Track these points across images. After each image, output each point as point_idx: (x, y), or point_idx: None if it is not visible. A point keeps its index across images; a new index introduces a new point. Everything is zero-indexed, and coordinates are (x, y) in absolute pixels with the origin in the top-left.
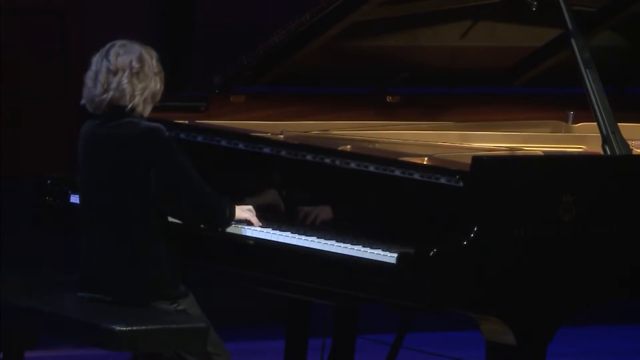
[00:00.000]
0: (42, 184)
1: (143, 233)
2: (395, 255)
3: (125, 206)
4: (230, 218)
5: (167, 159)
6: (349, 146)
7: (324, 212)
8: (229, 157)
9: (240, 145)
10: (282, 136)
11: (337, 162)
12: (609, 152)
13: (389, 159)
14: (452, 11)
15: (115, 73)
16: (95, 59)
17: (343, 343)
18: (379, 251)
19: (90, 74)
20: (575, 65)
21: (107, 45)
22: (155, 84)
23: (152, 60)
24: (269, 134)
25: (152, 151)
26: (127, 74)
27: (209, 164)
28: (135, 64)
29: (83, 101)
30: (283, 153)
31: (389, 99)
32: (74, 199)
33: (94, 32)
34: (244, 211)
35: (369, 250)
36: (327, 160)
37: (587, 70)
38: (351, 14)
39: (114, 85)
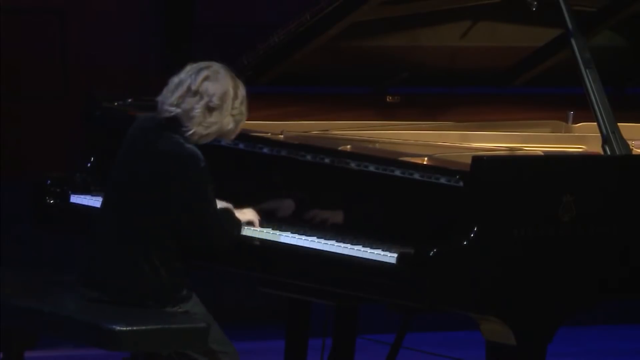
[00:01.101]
0: (42, 184)
1: (152, 238)
2: (395, 255)
3: (138, 211)
4: (237, 239)
5: (194, 187)
6: (349, 146)
7: (324, 212)
8: (229, 157)
9: (240, 145)
10: (282, 136)
11: (337, 162)
12: (609, 152)
13: (389, 159)
14: (452, 11)
15: (194, 94)
16: (188, 68)
17: (343, 343)
18: (379, 251)
19: (176, 80)
20: (575, 65)
21: (206, 63)
22: (227, 124)
23: (235, 101)
24: (269, 134)
25: (182, 175)
26: (203, 104)
27: (209, 164)
28: (216, 100)
29: (159, 97)
30: (283, 153)
31: (389, 99)
32: (74, 199)
33: (94, 32)
34: (246, 215)
35: (369, 250)
36: (327, 160)
37: (587, 70)
38: (351, 14)
39: (186, 105)
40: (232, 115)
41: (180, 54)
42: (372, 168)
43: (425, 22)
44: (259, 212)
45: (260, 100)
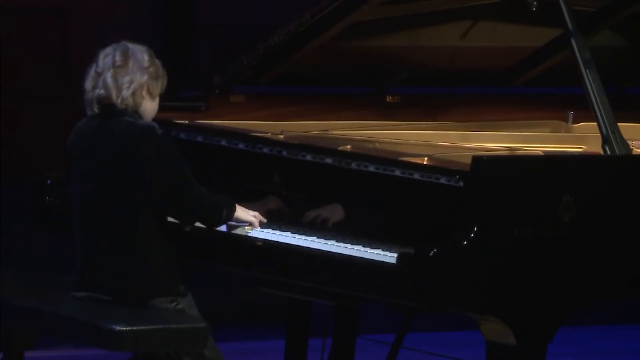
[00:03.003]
0: (42, 184)
1: (139, 231)
2: (395, 255)
3: (122, 204)
4: (227, 218)
5: (160, 157)
6: (349, 146)
7: (324, 212)
8: (229, 157)
9: (240, 145)
10: (282, 136)
11: (337, 162)
12: (609, 152)
13: (389, 159)
14: (452, 11)
15: (100, 74)
16: (90, 66)
17: (343, 343)
18: (379, 251)
19: (84, 81)
20: (575, 65)
21: (101, 50)
22: (142, 77)
23: (142, 54)
24: (269, 134)
25: (145, 150)
26: (111, 71)
27: (209, 164)
28: (118, 59)
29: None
30: (283, 153)
31: (389, 99)
32: None
33: (94, 32)
34: (247, 213)
35: (369, 250)
36: (327, 160)
37: (587, 70)
38: (351, 14)
39: (100, 84)
40: (145, 68)
41: (180, 54)
42: (372, 168)
43: (425, 22)
44: (265, 215)
45: (260, 100)
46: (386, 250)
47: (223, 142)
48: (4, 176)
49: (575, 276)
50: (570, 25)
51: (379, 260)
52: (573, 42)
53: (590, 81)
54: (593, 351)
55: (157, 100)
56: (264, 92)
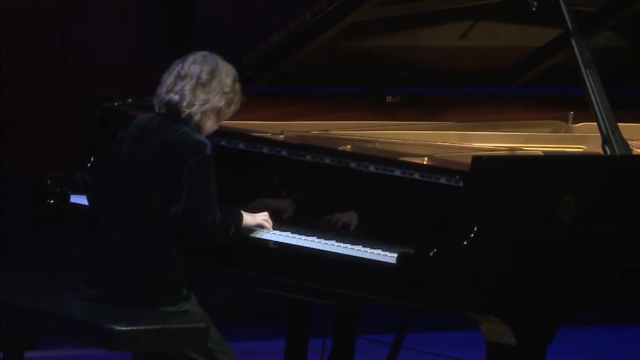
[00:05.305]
0: (42, 184)
1: (157, 235)
2: (395, 255)
3: (150, 207)
4: (235, 233)
5: (196, 173)
6: (349, 146)
7: (325, 212)
8: (229, 157)
9: (240, 145)
10: (282, 136)
11: (337, 162)
12: (609, 152)
13: (389, 159)
14: (452, 11)
15: (183, 78)
16: (176, 62)
17: (343, 343)
18: (379, 251)
19: (166, 74)
20: (575, 65)
21: (193, 53)
22: (219, 100)
23: (226, 78)
24: (269, 134)
25: (187, 160)
26: (193, 82)
27: None
28: (204, 75)
29: (155, 96)
30: (283, 153)
31: (389, 99)
32: (74, 199)
33: (94, 32)
34: (255, 218)
35: (369, 250)
36: (327, 160)
37: (587, 70)
38: (351, 14)
39: (177, 88)
40: (225, 93)
41: (180, 53)
42: (372, 168)
43: (425, 22)
44: (271, 215)
45: (260, 100)
46: (386, 250)
47: (223, 142)
48: (4, 176)
49: (575, 276)
50: (570, 25)
51: (379, 260)
52: (573, 42)
53: (590, 81)
54: (593, 351)
55: (219, 123)
56: (264, 92)
